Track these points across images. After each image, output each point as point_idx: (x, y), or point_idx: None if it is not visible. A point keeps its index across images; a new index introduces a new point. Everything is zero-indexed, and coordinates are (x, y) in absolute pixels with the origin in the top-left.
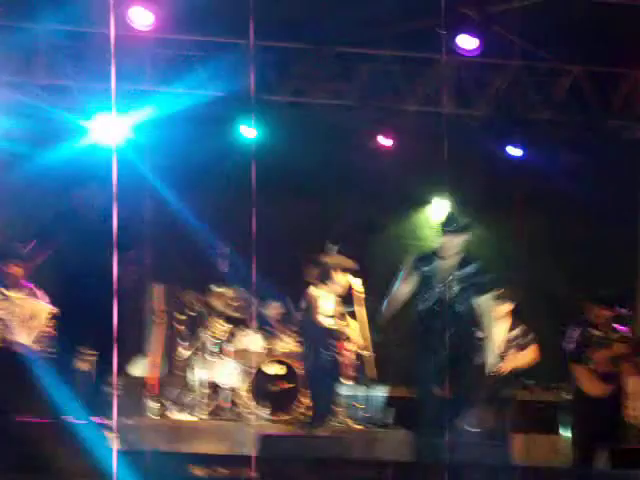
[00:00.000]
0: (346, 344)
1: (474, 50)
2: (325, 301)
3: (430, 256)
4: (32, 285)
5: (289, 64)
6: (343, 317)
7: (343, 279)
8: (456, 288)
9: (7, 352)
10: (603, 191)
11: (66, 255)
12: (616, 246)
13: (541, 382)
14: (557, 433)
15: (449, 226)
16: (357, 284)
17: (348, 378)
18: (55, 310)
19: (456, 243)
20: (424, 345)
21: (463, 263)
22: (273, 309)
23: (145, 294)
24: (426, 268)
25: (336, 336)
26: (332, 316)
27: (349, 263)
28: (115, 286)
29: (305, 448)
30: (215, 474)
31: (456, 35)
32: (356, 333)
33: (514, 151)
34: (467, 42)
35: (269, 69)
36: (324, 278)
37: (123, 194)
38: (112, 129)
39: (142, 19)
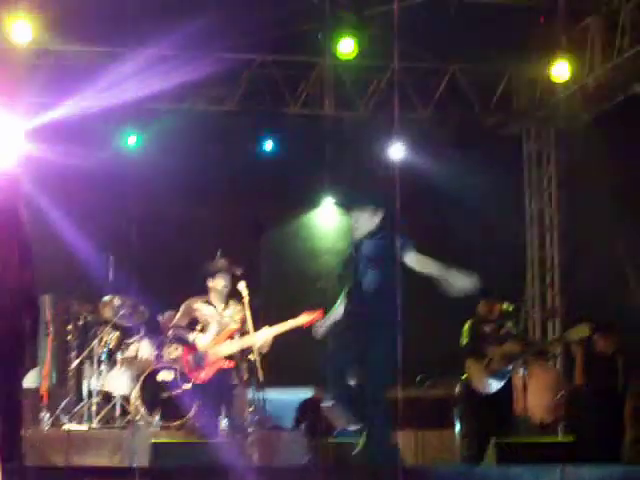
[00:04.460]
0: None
1: (353, 52)
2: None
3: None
4: None
5: (170, 70)
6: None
7: (220, 283)
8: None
9: None
10: (486, 187)
11: None
12: (502, 242)
13: (436, 377)
14: (452, 429)
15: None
16: (242, 288)
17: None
18: None
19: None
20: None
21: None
22: (166, 317)
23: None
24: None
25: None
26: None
27: (231, 267)
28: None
29: (196, 455)
30: None
31: (335, 38)
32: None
33: (396, 151)
34: (346, 45)
35: (151, 76)
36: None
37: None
38: None
39: (20, 32)
